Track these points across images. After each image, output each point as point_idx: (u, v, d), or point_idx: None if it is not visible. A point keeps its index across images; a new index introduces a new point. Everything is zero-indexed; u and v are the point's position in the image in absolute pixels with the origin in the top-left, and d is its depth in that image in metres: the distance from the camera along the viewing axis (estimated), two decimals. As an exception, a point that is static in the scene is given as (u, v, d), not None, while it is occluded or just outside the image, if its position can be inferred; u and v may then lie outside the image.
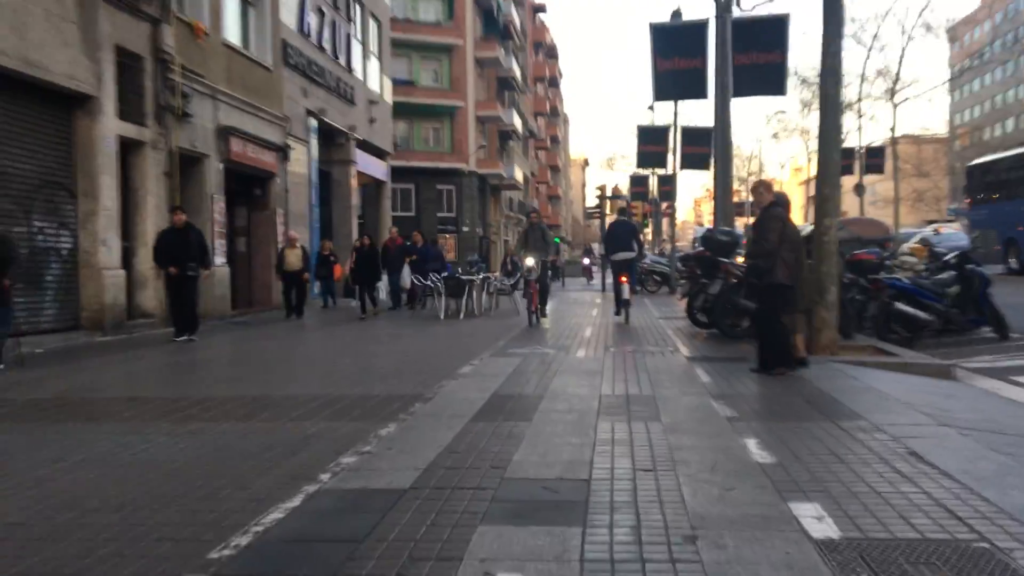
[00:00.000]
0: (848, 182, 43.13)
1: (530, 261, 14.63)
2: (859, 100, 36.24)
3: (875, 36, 50.59)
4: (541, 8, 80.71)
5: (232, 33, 18.38)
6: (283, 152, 20.17)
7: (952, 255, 12.10)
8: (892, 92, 34.34)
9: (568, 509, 3.99)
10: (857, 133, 37.63)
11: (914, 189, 63.37)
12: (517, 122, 55.37)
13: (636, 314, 16.49)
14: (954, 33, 37.44)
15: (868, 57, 51.73)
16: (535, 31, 77.57)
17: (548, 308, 15.83)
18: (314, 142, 22.70)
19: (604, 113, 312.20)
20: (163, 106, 15.14)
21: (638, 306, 18.99)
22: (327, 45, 23.72)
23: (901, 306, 11.31)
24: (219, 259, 17.21)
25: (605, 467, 4.74)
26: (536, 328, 13.81)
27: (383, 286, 19.43)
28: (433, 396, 7.19)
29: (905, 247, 17.30)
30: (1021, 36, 76.04)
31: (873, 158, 35.89)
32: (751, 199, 45.89)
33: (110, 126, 13.79)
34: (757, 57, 13.96)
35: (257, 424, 6.20)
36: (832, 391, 7.10)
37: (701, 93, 14.53)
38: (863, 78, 36.57)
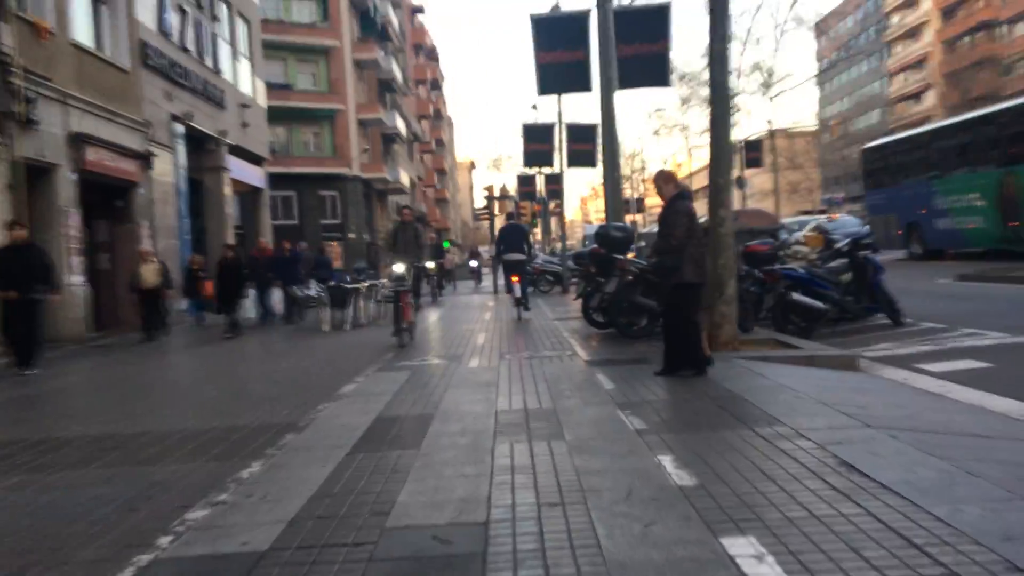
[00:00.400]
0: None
1: (399, 268, 12.05)
2: (735, 95, 36.85)
3: (748, 30, 51.92)
4: (419, 10, 79.75)
5: (82, 33, 16.92)
6: (146, 160, 18.75)
7: (844, 243, 11.99)
8: (767, 86, 35.12)
9: (463, 567, 3.29)
10: (734, 128, 38.37)
11: (788, 181, 65.45)
12: (400, 125, 54.31)
13: (530, 315, 15.95)
14: (822, 26, 38.52)
15: (743, 51, 52.94)
16: (414, 33, 76.55)
17: (434, 316, 15.11)
18: (181, 148, 21.28)
19: (489, 115, 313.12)
20: (3, 112, 13.68)
21: (532, 307, 18.47)
22: (191, 46, 22.31)
23: (797, 296, 11.07)
24: (76, 278, 15.76)
25: (505, 503, 4.06)
26: (409, 345, 11.90)
27: (249, 302, 18.24)
28: (309, 424, 6.37)
29: (799, 236, 17.33)
30: (883, 29, 79.94)
31: (752, 152, 36.61)
32: (635, 195, 45.98)
33: (-63, 135, 12.32)
34: (640, 48, 13.58)
35: (95, 471, 5.25)
36: (743, 392, 6.63)
37: (585, 86, 14.06)
38: (739, 73, 37.20)
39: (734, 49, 63.72)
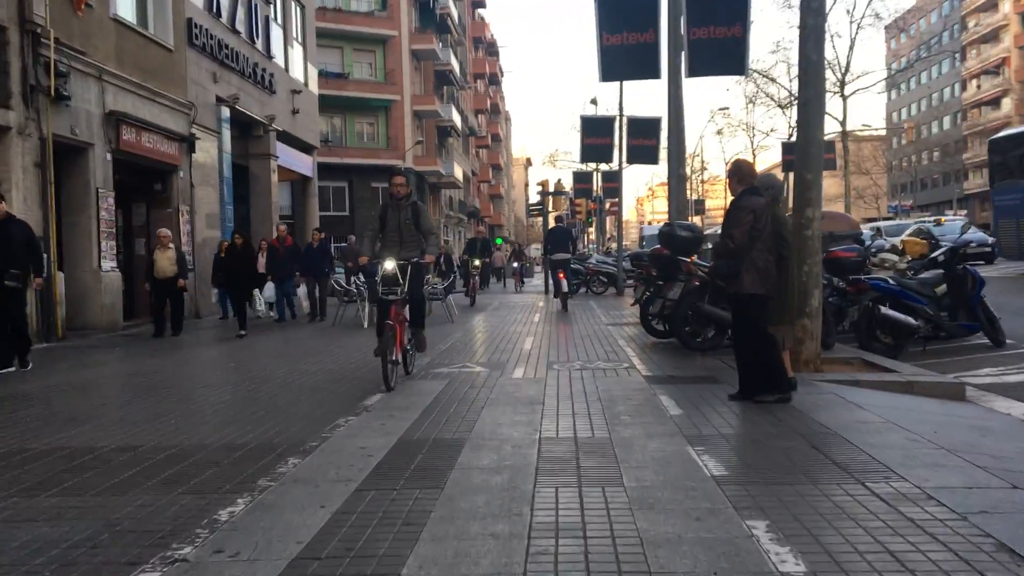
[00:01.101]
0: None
1: (389, 264, 8.02)
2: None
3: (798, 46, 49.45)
4: (480, 3, 78.89)
5: (125, 7, 16.22)
6: (188, 143, 18.04)
7: (940, 251, 10.67)
8: (842, 84, 33.29)
9: None
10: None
11: (853, 187, 63.17)
12: (456, 118, 53.49)
13: (583, 320, 14.88)
14: (900, 23, 36.60)
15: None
16: (474, 26, 75.74)
17: (480, 315, 13.98)
18: (227, 133, 20.57)
19: (548, 112, 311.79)
20: (33, 86, 13.00)
21: (585, 310, 17.39)
22: (241, 27, 21.60)
23: (886, 310, 9.81)
24: (108, 263, 15.08)
25: (545, 588, 3.00)
26: (402, 383, 11.33)
27: (260, 294, 16.80)
28: (318, 445, 5.37)
29: (895, 242, 15.86)
30: (960, 31, 76.87)
31: (824, 153, 34.81)
32: (694, 197, 44.40)
33: (-37, 107, 11.64)
34: (716, 31, 12.35)
35: (47, 501, 4.31)
36: (839, 428, 5.47)
37: (654, 72, 12.88)
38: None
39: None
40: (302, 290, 17.28)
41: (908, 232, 20.21)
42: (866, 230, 30.28)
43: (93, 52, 14.61)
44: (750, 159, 53.81)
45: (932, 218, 28.31)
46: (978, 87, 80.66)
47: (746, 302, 6.62)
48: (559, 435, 5.54)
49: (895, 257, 11.54)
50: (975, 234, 26.17)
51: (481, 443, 5.33)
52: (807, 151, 8.23)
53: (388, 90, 44.30)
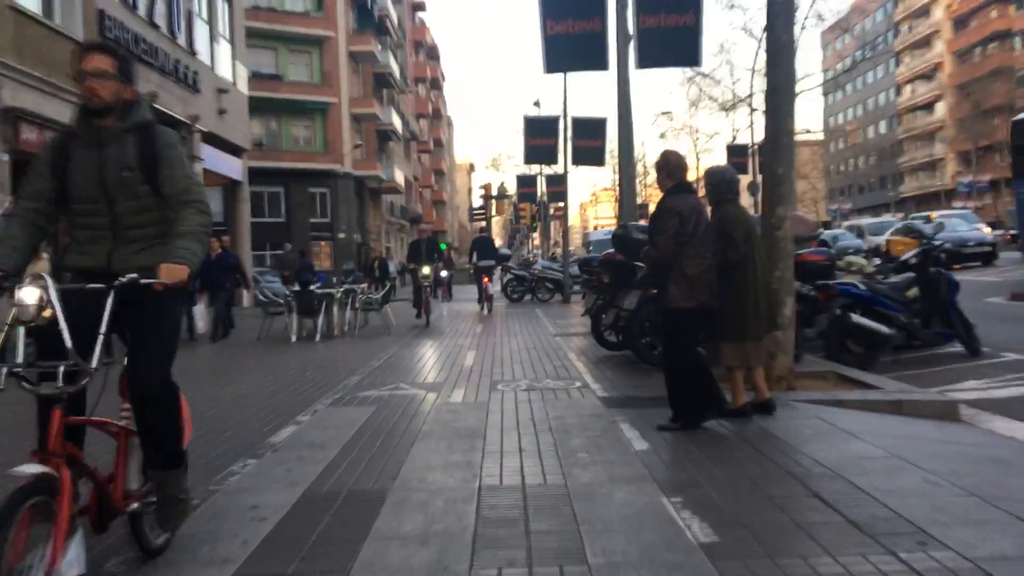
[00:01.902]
0: (743, 181, 42.00)
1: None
2: (751, 95, 34.81)
3: (764, 28, 49.37)
4: (420, 7, 77.72)
5: (26, -5, 14.83)
6: (100, 143, 16.59)
7: (912, 253, 9.92)
8: (786, 86, 32.88)
9: None
10: (749, 131, 36.23)
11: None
12: (397, 122, 52.19)
13: (529, 331, 13.93)
14: (843, 24, 36.51)
15: (758, 50, 50.91)
16: (415, 30, 74.49)
17: (420, 327, 12.88)
18: (146, 133, 19.13)
19: (490, 118, 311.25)
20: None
21: (531, 319, 16.46)
22: (161, 21, 20.22)
23: (858, 318, 9.01)
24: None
25: None
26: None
27: (199, 311, 14.58)
28: (200, 503, 4.27)
29: (879, 242, 15.07)
30: (891, 41, 78.01)
31: (766, 156, 34.39)
32: (638, 201, 44.17)
33: None
34: (667, 19, 11.53)
35: None
36: (836, 466, 4.54)
37: (600, 63, 11.99)
38: (754, 72, 35.15)
39: (748, 47, 61.92)
40: (199, 308, 14.60)
41: (889, 232, 19.26)
42: (846, 231, 29.42)
43: (-14, 43, 13.21)
44: (694, 162, 53.54)
45: (925, 215, 27.74)
46: (913, 92, 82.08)
47: (676, 317, 5.70)
48: (503, 482, 4.53)
49: (863, 260, 10.80)
50: (971, 233, 25.38)
51: (406, 496, 4.28)
52: (777, 142, 7.39)
53: (325, 92, 42.90)
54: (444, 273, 26.52)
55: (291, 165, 41.11)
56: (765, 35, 7.57)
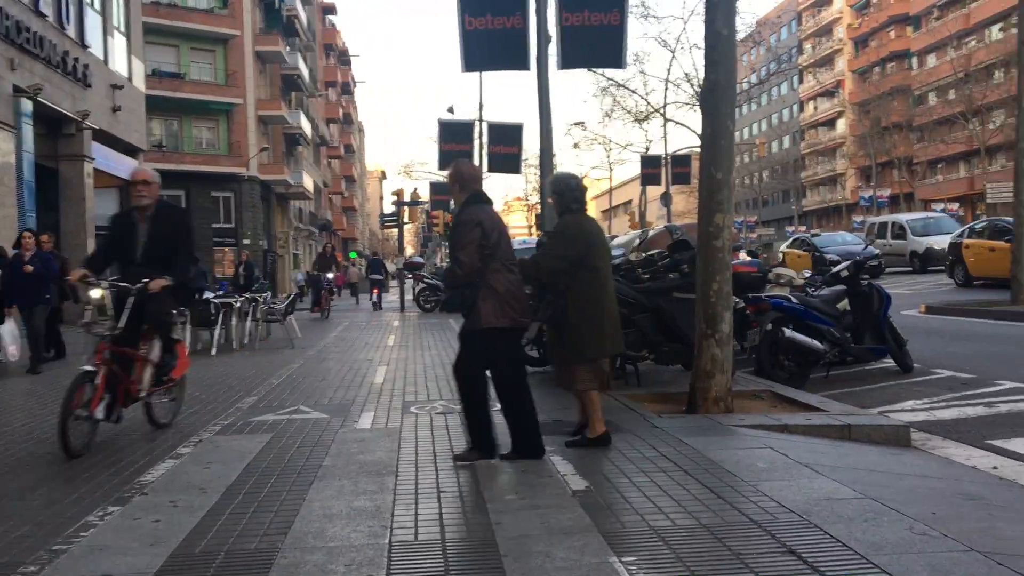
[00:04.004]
0: (652, 192, 42.22)
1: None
2: (664, 106, 34.88)
3: (678, 39, 50.22)
4: (331, 10, 76.06)
5: None
6: (-28, 137, 15.14)
7: (843, 266, 9.55)
8: (699, 97, 33.06)
9: None
10: (663, 141, 36.34)
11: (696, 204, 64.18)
12: (306, 126, 50.67)
13: (443, 344, 13.19)
14: (758, 36, 36.97)
15: (672, 61, 51.58)
16: (325, 33, 72.85)
17: (331, 336, 12.03)
18: (28, 129, 17.66)
19: (403, 125, 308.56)
20: None
21: (444, 331, 15.70)
22: (48, 10, 18.69)
23: (792, 333, 8.58)
24: None
25: None
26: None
27: (7, 332, 11.12)
28: (37, 572, 3.39)
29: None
30: (794, 58, 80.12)
31: (680, 167, 34.56)
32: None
33: None
34: (591, 18, 10.97)
35: None
36: (804, 510, 3.94)
37: (522, 62, 11.34)
38: (668, 83, 35.25)
39: (663, 57, 62.34)
40: (6, 328, 11.20)
41: (785, 245, 19.28)
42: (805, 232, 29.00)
43: None
44: (607, 173, 53.63)
45: (809, 232, 28.13)
46: (815, 108, 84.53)
47: (487, 340, 5.12)
48: (419, 536, 3.78)
49: (792, 272, 10.45)
50: (859, 247, 24.60)
51: (299, 559, 3.49)
52: (716, 145, 6.84)
53: (230, 93, 41.23)
54: (376, 276, 28.25)
55: (193, 168, 39.30)
56: (704, 29, 7.03)
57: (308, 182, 51.46)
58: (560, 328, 5.52)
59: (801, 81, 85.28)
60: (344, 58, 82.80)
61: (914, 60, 68.63)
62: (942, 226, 26.93)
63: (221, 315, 13.04)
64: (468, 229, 5.12)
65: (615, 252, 19.44)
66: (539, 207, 18.96)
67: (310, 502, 4.36)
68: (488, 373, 5.32)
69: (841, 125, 78.53)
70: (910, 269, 26.53)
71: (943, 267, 23.44)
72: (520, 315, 5.24)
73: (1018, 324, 12.66)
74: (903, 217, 27.16)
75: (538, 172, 19.86)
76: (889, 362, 9.42)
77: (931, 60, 65.74)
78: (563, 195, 5.72)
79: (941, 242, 24.20)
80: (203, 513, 4.20)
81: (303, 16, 53.60)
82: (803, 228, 76.13)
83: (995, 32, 56.73)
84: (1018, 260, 14.31)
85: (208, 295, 13.88)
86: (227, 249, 41.60)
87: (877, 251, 24.59)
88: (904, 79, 67.80)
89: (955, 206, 58.36)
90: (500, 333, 5.14)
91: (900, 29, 70.96)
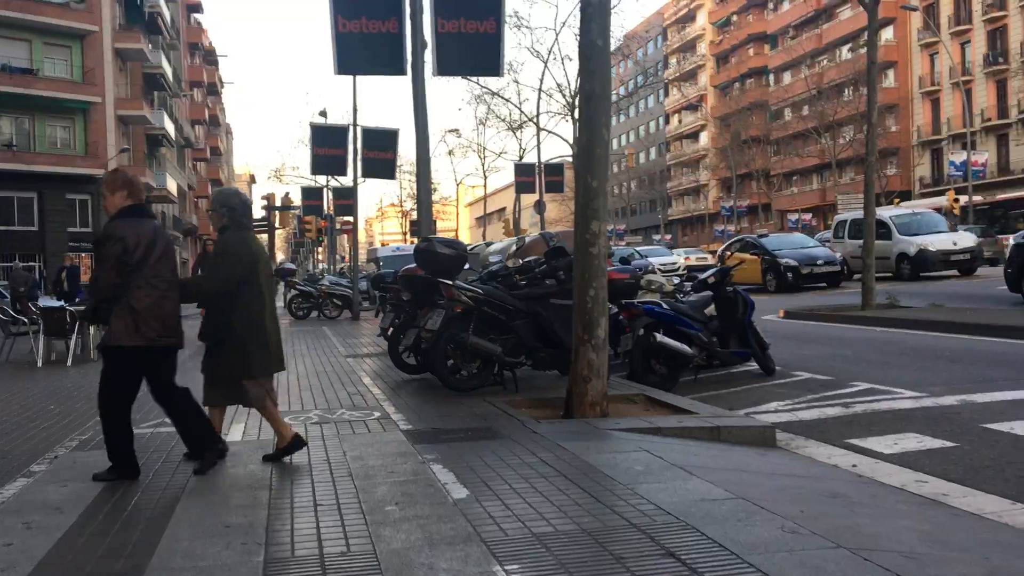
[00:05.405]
0: (526, 199, 42.70)
1: None
2: (537, 115, 35.38)
3: (550, 50, 51.05)
4: (197, 8, 73.44)
5: None
6: None
7: (710, 273, 9.90)
8: (572, 107, 33.71)
9: None
10: (536, 150, 36.78)
11: (571, 211, 65.55)
12: (169, 127, 48.74)
13: (318, 351, 12.89)
14: (627, 49, 38.06)
15: (544, 71, 52.46)
16: (191, 31, 70.29)
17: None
18: None
19: (274, 128, 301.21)
20: None
21: (318, 338, 15.38)
22: None
23: (663, 338, 8.81)
24: None
25: None
26: None
27: None
28: None
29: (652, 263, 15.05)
30: (660, 72, 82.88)
31: (553, 175, 35.08)
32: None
33: None
34: (467, 25, 11.00)
35: None
36: (682, 513, 4.03)
37: (397, 67, 11.23)
38: (540, 93, 35.74)
39: (536, 66, 63.08)
40: None
41: (726, 247, 19.00)
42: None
43: None
44: (480, 180, 53.87)
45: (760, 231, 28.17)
46: (680, 121, 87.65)
47: (120, 358, 5.08)
48: (295, 551, 3.66)
49: (662, 279, 10.74)
50: (818, 250, 23.25)
51: (168, 582, 3.32)
52: (592, 153, 6.94)
53: (87, 91, 39.24)
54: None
55: (46, 169, 37.23)
56: (580, 39, 7.13)
57: (172, 185, 49.52)
58: (224, 345, 5.43)
59: (667, 94, 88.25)
60: (211, 58, 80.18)
61: (771, 77, 72.20)
62: (932, 223, 23.46)
63: (78, 324, 12.33)
64: (111, 245, 4.98)
65: (492, 259, 19.48)
66: (414, 213, 18.91)
67: (177, 520, 4.15)
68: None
69: (704, 138, 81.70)
70: (890, 275, 22.16)
71: (942, 273, 21.17)
72: (161, 335, 5.11)
73: (868, 328, 13.43)
74: (885, 213, 23.48)
75: (413, 178, 19.75)
76: (753, 365, 9.80)
77: (787, 77, 69.37)
78: (236, 210, 5.58)
79: (937, 243, 21.63)
80: (60, 534, 3.94)
81: (166, 13, 51.60)
82: (668, 236, 79.01)
83: (845, 52, 60.39)
84: (868, 267, 15.21)
85: (51, 303, 13.10)
86: (84, 255, 39.52)
87: (838, 255, 23.06)
88: (762, 95, 71.21)
89: (808, 216, 61.77)
90: (137, 352, 5.02)
91: (758, 47, 74.49)
